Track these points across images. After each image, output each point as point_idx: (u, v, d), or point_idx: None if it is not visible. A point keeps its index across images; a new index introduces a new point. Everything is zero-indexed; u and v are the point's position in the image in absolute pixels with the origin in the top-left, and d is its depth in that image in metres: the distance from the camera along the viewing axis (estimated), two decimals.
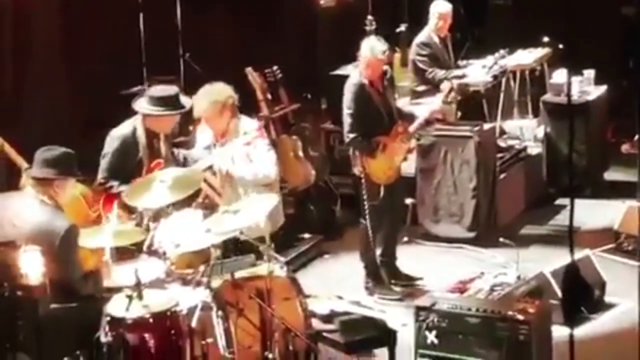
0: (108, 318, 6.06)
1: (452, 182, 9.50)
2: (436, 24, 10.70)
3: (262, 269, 6.57)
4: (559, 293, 7.26)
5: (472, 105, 10.48)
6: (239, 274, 6.59)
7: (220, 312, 6.35)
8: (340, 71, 10.46)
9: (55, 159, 6.39)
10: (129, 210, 7.01)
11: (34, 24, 10.27)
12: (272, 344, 6.44)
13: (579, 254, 7.85)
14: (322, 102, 11.44)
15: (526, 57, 11.22)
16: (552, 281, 7.60)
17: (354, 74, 8.41)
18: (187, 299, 6.31)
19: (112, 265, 6.41)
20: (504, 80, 10.88)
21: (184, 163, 7.50)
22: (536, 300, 7.09)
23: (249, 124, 7.69)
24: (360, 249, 8.60)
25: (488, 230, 9.46)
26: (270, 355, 6.42)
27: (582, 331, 7.43)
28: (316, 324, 6.92)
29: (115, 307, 6.10)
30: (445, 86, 9.09)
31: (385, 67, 8.43)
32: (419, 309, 6.93)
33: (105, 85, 10.38)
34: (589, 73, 10.63)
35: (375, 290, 8.47)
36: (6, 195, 6.72)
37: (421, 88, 10.61)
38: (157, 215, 6.90)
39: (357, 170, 8.29)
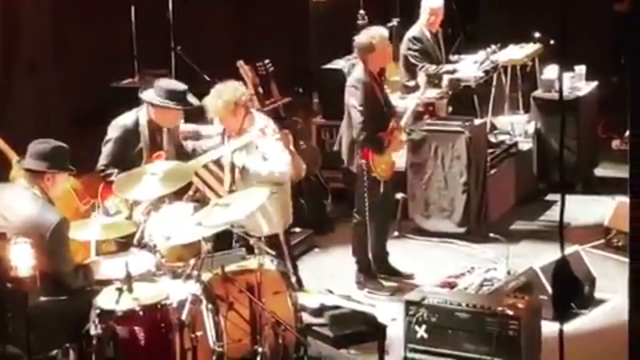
0: (98, 311, 6.05)
1: (442, 177, 9.49)
2: (428, 19, 10.68)
3: (252, 262, 6.58)
4: (549, 289, 7.27)
5: (463, 101, 10.46)
6: (229, 268, 6.59)
7: (210, 306, 6.34)
8: (331, 65, 10.45)
9: (49, 153, 6.38)
10: None
11: (24, 16, 10.23)
12: (262, 338, 6.43)
13: (569, 250, 7.85)
14: (313, 96, 11.43)
15: (517, 52, 11.21)
16: (542, 277, 7.60)
17: (357, 70, 8.36)
18: (177, 292, 6.30)
19: (101, 258, 6.42)
20: (495, 75, 10.86)
21: (192, 154, 7.52)
22: (526, 295, 7.10)
23: (260, 120, 7.66)
24: (353, 244, 8.56)
25: (478, 226, 9.46)
26: (260, 349, 6.41)
27: (571, 327, 7.44)
28: (306, 317, 6.92)
29: (105, 299, 6.09)
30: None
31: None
32: (408, 303, 6.95)
33: (96, 78, 10.37)
34: (580, 69, 10.62)
35: (367, 285, 8.46)
36: None
37: (412, 83, 10.58)
38: (156, 206, 6.90)
39: (358, 166, 8.23)
